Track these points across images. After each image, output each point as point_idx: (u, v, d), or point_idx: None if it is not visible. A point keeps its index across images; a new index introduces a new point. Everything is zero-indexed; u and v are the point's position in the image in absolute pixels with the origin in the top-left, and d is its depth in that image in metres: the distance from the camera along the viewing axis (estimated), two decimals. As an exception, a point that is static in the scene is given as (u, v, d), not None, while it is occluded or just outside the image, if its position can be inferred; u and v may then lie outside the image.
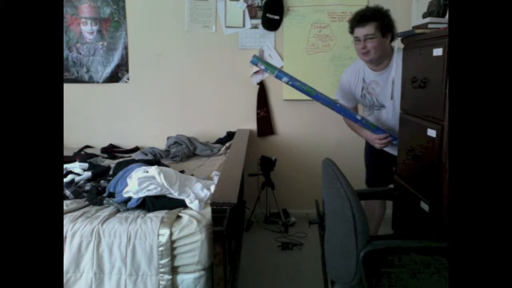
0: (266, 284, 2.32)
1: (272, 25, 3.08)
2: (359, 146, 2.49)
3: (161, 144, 3.07)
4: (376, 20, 2.03)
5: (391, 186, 1.90)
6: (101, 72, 3.21)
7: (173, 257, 1.66)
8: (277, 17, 3.07)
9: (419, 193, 1.56)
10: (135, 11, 3.13)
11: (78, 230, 1.67)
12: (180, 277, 1.69)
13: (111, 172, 2.27)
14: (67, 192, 1.98)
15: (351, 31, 2.12)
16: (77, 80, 3.21)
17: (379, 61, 2.12)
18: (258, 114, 3.20)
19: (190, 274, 1.69)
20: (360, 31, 2.05)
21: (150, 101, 3.24)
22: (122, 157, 2.90)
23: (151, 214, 1.75)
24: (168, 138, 3.08)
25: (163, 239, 1.64)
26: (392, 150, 2.23)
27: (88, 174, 2.21)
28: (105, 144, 3.23)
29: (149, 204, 1.81)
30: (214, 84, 3.20)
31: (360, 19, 2.05)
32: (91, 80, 3.22)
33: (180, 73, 3.19)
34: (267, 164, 3.01)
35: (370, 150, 2.40)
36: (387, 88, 2.12)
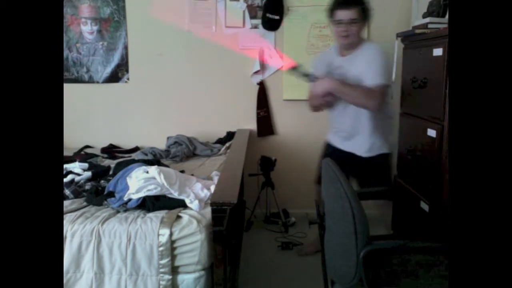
0: (266, 284, 2.32)
1: (272, 25, 3.08)
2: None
3: (161, 144, 3.06)
4: (359, 4, 2.06)
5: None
6: (101, 72, 3.21)
7: (173, 257, 1.66)
8: (277, 17, 3.06)
9: (419, 193, 1.56)
10: (135, 11, 3.13)
11: (78, 230, 1.67)
12: (180, 277, 1.69)
13: (111, 172, 2.27)
14: (67, 192, 1.98)
15: (331, 14, 2.13)
16: (77, 80, 3.21)
17: (353, 45, 2.12)
18: (258, 114, 3.20)
19: (190, 274, 1.69)
20: (345, 14, 2.06)
21: (150, 101, 3.24)
22: (122, 157, 2.89)
23: (151, 214, 1.75)
24: (168, 138, 3.08)
25: (163, 239, 1.64)
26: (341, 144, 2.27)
27: (88, 174, 2.21)
28: (105, 144, 3.22)
29: (149, 204, 1.81)
30: (214, 84, 3.20)
31: (344, 1, 2.07)
32: (91, 80, 3.22)
33: (180, 73, 3.19)
34: (267, 164, 3.01)
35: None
36: (351, 70, 2.12)
